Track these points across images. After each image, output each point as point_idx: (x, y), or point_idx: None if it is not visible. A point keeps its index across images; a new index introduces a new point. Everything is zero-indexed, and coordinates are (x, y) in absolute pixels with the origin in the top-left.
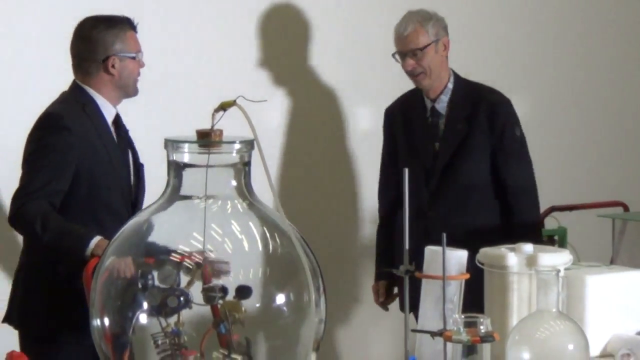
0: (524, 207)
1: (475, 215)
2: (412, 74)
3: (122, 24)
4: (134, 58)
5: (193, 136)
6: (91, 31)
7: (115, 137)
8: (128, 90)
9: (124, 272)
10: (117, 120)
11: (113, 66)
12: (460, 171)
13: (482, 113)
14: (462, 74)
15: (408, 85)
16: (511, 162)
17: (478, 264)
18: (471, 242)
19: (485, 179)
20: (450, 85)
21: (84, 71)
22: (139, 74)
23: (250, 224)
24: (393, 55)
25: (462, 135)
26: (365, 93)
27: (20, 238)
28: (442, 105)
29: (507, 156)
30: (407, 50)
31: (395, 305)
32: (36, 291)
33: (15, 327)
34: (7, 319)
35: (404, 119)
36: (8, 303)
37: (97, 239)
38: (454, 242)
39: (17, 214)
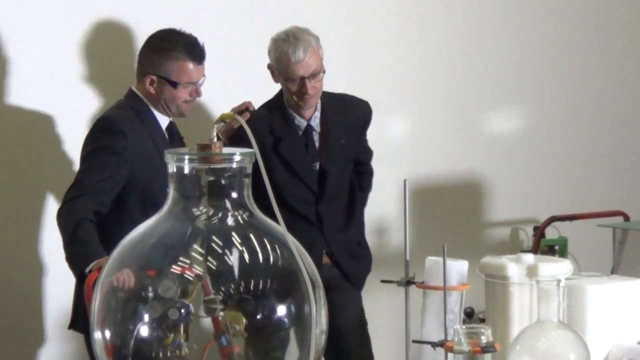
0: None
1: (348, 213)
2: (304, 97)
3: (177, 50)
4: (175, 86)
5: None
6: (151, 43)
7: (169, 143)
8: (167, 112)
9: (123, 283)
10: (171, 127)
11: (151, 84)
12: (343, 183)
13: (356, 122)
14: (457, 84)
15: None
16: (364, 142)
17: (479, 274)
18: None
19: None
20: (319, 103)
21: (138, 79)
22: (187, 101)
23: (251, 235)
24: (286, 80)
25: (344, 149)
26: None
27: None
28: (315, 122)
29: (364, 141)
30: (307, 74)
31: (396, 314)
32: None
33: (82, 332)
34: (73, 326)
35: (275, 138)
36: (72, 310)
37: (102, 259)
38: (351, 255)
39: (64, 208)
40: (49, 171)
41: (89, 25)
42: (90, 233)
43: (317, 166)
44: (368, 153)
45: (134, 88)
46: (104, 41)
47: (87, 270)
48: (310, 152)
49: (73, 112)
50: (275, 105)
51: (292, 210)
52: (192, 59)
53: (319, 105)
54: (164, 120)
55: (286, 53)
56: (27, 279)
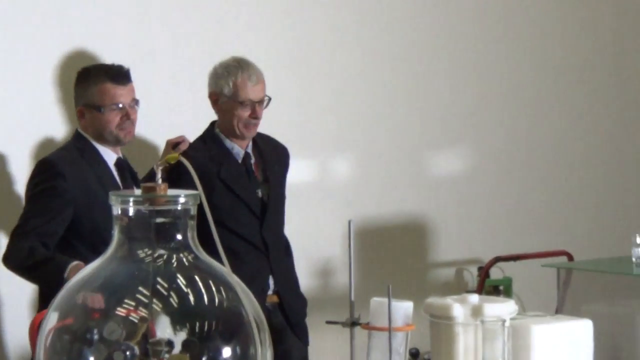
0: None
1: (286, 249)
2: (251, 123)
3: (97, 76)
4: (100, 110)
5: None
6: (75, 80)
7: (118, 180)
8: (105, 140)
9: (94, 302)
10: (121, 163)
11: (82, 116)
12: (280, 213)
13: (281, 159)
14: (402, 123)
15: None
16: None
17: (424, 314)
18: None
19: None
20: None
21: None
22: (121, 127)
23: (196, 277)
24: (239, 105)
25: (278, 178)
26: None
27: None
28: (250, 152)
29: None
30: (258, 99)
31: (342, 356)
32: None
33: None
34: None
35: (216, 165)
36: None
37: (75, 262)
38: (292, 289)
39: (10, 252)
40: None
41: (55, 59)
42: (47, 252)
43: (260, 193)
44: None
45: (79, 129)
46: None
47: (65, 275)
48: (252, 179)
49: (25, 151)
50: (209, 137)
51: (238, 236)
52: (112, 80)
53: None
54: (110, 158)
55: (242, 78)
56: None
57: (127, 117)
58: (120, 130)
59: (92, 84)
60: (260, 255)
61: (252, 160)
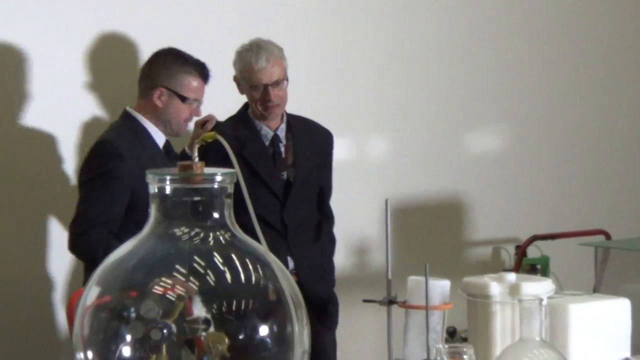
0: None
1: (315, 231)
2: (268, 105)
3: (191, 66)
4: (183, 100)
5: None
6: (157, 58)
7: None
8: (167, 129)
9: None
10: (167, 146)
11: (160, 97)
12: (309, 198)
13: (320, 144)
14: (438, 103)
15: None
16: (329, 176)
17: (461, 293)
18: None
19: (316, 201)
20: (285, 116)
21: (142, 94)
22: (186, 120)
23: (233, 255)
24: (251, 88)
25: (310, 163)
26: (350, 122)
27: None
28: (282, 134)
29: (327, 172)
30: (270, 82)
31: (379, 334)
32: None
33: None
34: None
35: (240, 144)
36: None
37: None
38: (313, 272)
39: (79, 243)
40: (51, 190)
41: (90, 43)
42: None
43: (285, 175)
44: (330, 195)
45: (128, 109)
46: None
47: None
48: (278, 161)
49: (74, 131)
50: (239, 116)
51: (256, 216)
52: (202, 76)
53: (284, 118)
54: (160, 140)
55: (249, 61)
56: (36, 295)
57: (196, 113)
58: (185, 122)
59: (184, 72)
60: (277, 235)
61: (283, 143)
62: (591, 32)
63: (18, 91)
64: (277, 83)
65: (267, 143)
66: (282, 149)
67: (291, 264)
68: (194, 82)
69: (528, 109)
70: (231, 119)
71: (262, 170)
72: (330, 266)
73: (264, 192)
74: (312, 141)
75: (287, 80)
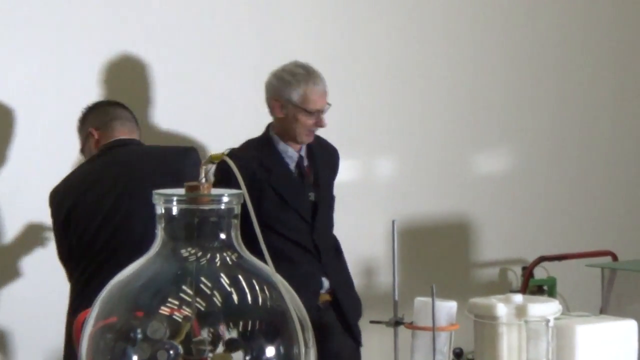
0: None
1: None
2: (313, 130)
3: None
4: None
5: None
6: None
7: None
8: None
9: None
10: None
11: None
12: (330, 217)
13: (331, 160)
14: (445, 124)
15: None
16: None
17: (467, 314)
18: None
19: None
20: None
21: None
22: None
23: (239, 276)
24: (305, 112)
25: (328, 182)
26: (355, 143)
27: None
28: (304, 154)
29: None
30: (325, 107)
31: (385, 355)
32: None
33: None
34: None
35: (267, 172)
36: (64, 352)
37: None
38: (348, 288)
39: None
40: None
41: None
42: None
43: (312, 196)
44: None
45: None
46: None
47: None
48: (305, 183)
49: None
50: (262, 141)
51: (290, 240)
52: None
53: None
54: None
55: (311, 87)
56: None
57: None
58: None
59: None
60: (312, 258)
61: (306, 163)
62: (600, 54)
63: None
64: (324, 109)
65: (292, 165)
66: (306, 170)
67: (326, 283)
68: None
69: (535, 130)
70: (254, 143)
71: (289, 197)
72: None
73: (294, 216)
74: (327, 158)
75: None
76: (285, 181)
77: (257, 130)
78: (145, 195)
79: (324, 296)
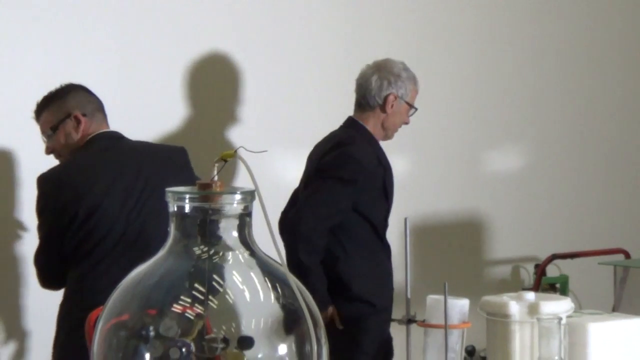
0: None
1: None
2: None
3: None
4: (411, 108)
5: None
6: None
7: None
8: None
9: None
10: None
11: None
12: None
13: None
14: (458, 122)
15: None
16: None
17: (480, 312)
18: None
19: None
20: None
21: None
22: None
23: (252, 274)
24: (409, 109)
25: None
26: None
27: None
28: None
29: None
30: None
31: (398, 353)
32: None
33: None
34: None
35: (381, 167)
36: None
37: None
38: None
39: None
40: None
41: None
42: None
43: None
44: None
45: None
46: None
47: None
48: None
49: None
50: (364, 135)
51: (382, 240)
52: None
53: None
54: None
55: (417, 83)
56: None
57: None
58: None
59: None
60: (387, 258)
61: None
62: (613, 51)
63: None
64: None
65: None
66: None
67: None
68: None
69: (547, 128)
70: (361, 140)
71: (390, 197)
72: None
73: (383, 216)
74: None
75: None
76: (391, 180)
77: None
78: (163, 193)
79: None
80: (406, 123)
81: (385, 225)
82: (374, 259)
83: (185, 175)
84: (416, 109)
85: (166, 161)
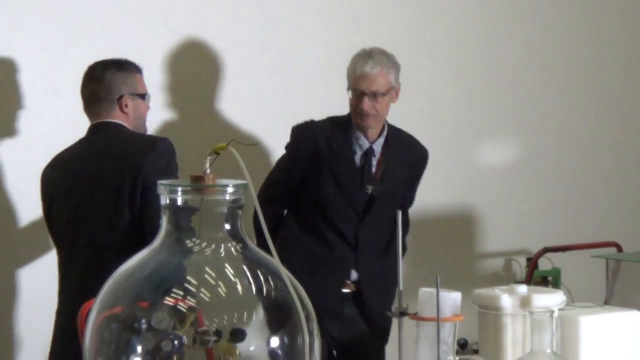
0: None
1: (387, 245)
2: (362, 114)
3: (131, 67)
4: (143, 98)
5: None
6: (105, 73)
7: None
8: (139, 128)
9: None
10: None
11: (126, 105)
12: (387, 218)
13: (414, 161)
14: (450, 115)
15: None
16: (414, 190)
17: (472, 305)
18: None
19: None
20: (386, 130)
21: (98, 111)
22: (146, 114)
23: (244, 267)
24: (348, 90)
25: (398, 180)
26: None
27: None
28: (378, 148)
29: (413, 188)
30: (369, 91)
31: (390, 345)
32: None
33: None
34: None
35: (330, 152)
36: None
37: None
38: (375, 287)
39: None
40: None
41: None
42: None
43: (370, 190)
44: (410, 205)
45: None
46: None
47: None
48: (366, 174)
49: None
50: (342, 120)
51: (332, 225)
52: (139, 71)
53: (385, 132)
54: None
55: (354, 65)
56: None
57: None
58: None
59: (131, 73)
60: (347, 248)
61: (376, 156)
62: (605, 44)
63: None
64: (375, 94)
65: (360, 154)
66: (374, 163)
67: (354, 275)
68: (141, 79)
69: (540, 121)
70: (332, 121)
71: (346, 185)
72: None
73: (344, 204)
74: (406, 158)
75: (391, 95)
76: (344, 167)
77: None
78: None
79: (350, 285)
80: (358, 109)
81: (345, 214)
82: (316, 242)
83: (133, 173)
84: (355, 91)
85: (114, 161)
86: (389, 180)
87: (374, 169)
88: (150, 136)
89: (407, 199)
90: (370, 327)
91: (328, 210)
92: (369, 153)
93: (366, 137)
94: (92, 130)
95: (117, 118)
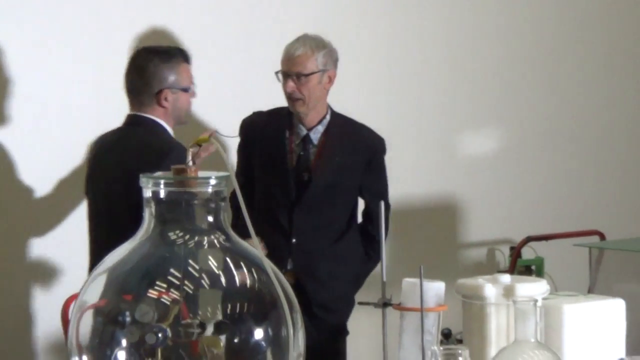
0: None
1: (336, 241)
2: (290, 97)
3: (176, 57)
4: (186, 91)
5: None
6: (147, 64)
7: None
8: (179, 120)
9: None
10: None
11: (166, 99)
12: (328, 203)
13: (361, 148)
14: (432, 105)
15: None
16: (376, 186)
17: (456, 295)
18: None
19: (348, 209)
20: (328, 118)
21: (137, 102)
22: (190, 104)
23: (227, 259)
24: (276, 73)
25: (336, 168)
26: None
27: None
28: (316, 135)
29: (372, 181)
30: (292, 72)
31: (374, 336)
32: None
33: None
34: None
35: (263, 139)
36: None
37: None
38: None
39: None
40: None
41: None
42: None
43: (305, 176)
44: (377, 205)
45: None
46: None
47: None
48: (302, 161)
49: None
50: (280, 109)
51: (268, 212)
52: (186, 60)
53: (325, 122)
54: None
55: (286, 49)
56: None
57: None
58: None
59: (175, 64)
60: (281, 235)
61: (314, 143)
62: (588, 34)
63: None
64: (299, 76)
65: (297, 141)
66: (313, 151)
67: (290, 264)
68: (186, 70)
69: (522, 111)
70: (275, 111)
71: (271, 169)
72: (352, 279)
73: (278, 190)
74: (351, 146)
75: (316, 76)
76: (272, 149)
77: None
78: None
79: (287, 275)
80: (287, 95)
81: (279, 200)
82: (257, 230)
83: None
84: (283, 75)
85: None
86: (327, 167)
87: (313, 157)
88: (169, 142)
89: (370, 190)
90: (312, 321)
91: (264, 197)
92: (306, 140)
93: (303, 124)
94: (127, 122)
95: (154, 112)
